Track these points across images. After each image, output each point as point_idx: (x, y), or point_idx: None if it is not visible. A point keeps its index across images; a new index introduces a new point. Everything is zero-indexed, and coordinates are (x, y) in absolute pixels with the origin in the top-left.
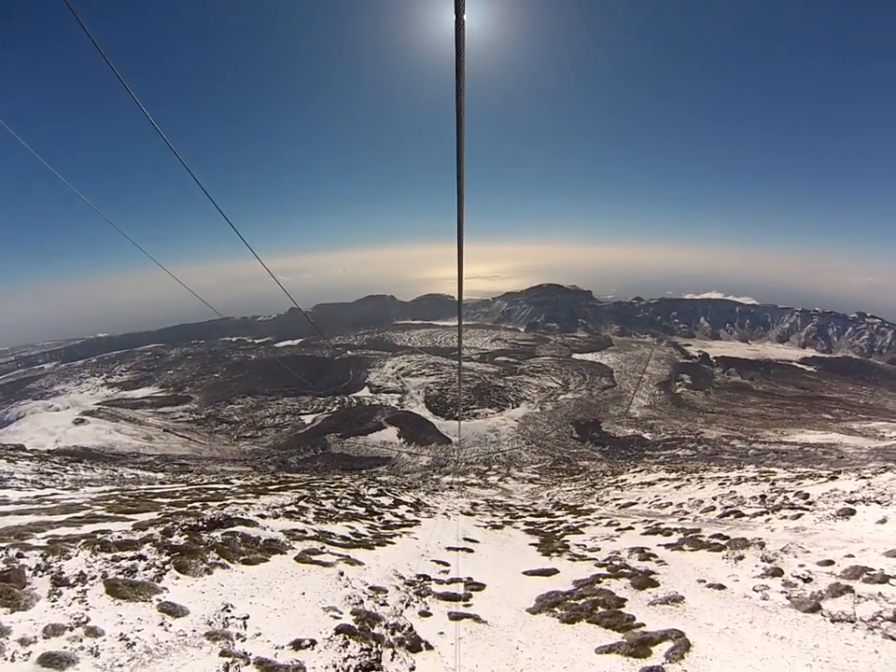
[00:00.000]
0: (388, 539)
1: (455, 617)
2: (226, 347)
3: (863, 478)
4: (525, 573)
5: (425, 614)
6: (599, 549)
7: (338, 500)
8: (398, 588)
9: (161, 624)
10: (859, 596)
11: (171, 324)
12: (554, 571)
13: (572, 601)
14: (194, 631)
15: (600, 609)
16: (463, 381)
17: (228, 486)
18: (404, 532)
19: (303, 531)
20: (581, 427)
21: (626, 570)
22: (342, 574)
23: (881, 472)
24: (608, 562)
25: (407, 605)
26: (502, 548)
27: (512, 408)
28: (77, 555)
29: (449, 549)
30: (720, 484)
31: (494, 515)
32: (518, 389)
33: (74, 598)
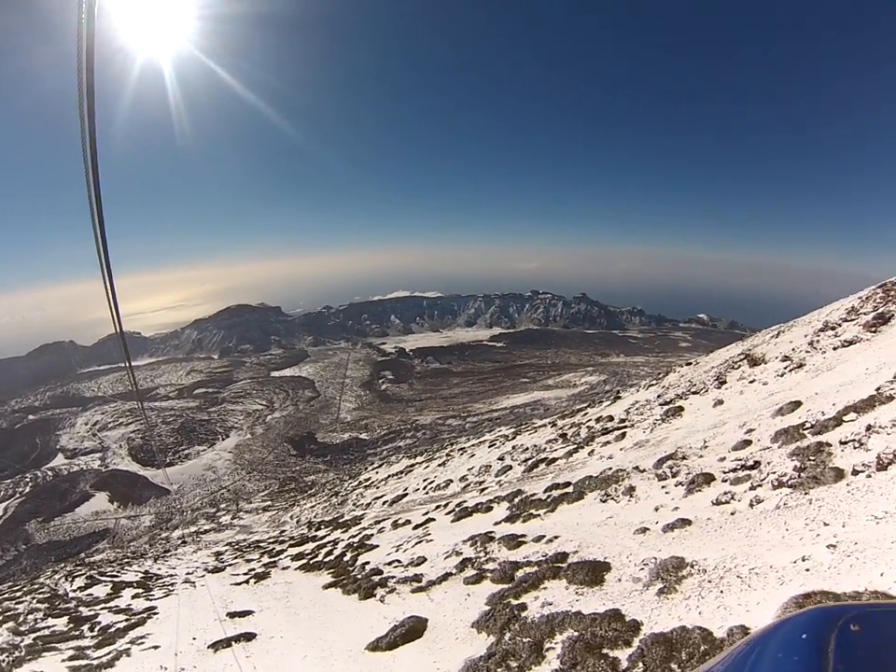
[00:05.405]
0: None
1: None
2: None
3: (652, 385)
4: (371, 648)
5: None
6: (424, 558)
7: (20, 621)
8: None
9: None
10: (844, 443)
11: None
12: (420, 624)
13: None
14: None
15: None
16: (165, 421)
17: None
18: (133, 641)
19: None
20: (296, 442)
21: (533, 568)
22: None
23: (663, 376)
24: (476, 569)
25: None
26: (292, 609)
27: (223, 440)
28: None
29: (215, 646)
30: (490, 446)
31: (248, 561)
32: (224, 419)
33: None
